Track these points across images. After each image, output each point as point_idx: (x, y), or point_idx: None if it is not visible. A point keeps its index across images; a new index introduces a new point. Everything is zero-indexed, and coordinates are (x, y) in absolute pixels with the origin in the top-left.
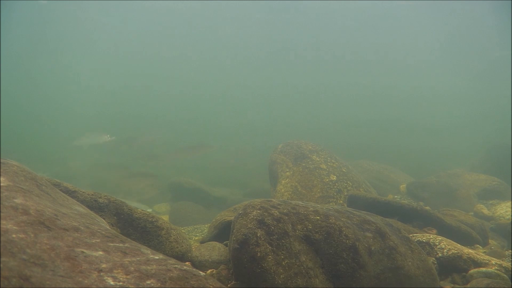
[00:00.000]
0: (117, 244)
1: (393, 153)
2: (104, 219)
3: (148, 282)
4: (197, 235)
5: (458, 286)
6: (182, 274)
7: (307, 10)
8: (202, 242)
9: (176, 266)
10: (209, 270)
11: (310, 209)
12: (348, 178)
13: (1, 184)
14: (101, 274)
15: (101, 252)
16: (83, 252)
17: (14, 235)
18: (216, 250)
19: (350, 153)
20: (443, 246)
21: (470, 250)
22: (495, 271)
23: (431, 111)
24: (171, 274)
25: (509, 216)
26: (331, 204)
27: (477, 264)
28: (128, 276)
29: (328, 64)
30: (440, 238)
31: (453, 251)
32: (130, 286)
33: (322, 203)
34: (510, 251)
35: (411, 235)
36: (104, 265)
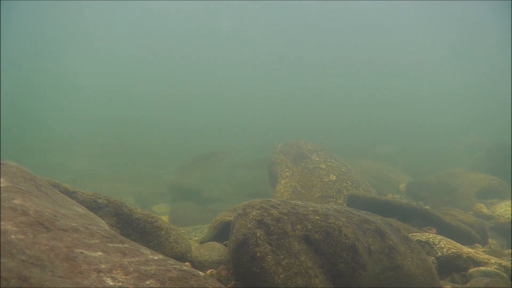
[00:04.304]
0: (116, 245)
1: (393, 153)
2: (103, 219)
3: (148, 282)
4: (196, 235)
5: (458, 285)
6: (181, 274)
7: (308, 11)
8: (201, 242)
9: (176, 266)
10: (209, 270)
11: (309, 209)
12: (348, 177)
13: (0, 185)
14: (100, 274)
15: (100, 253)
16: (82, 252)
17: (13, 236)
18: (216, 250)
19: (349, 152)
20: (443, 245)
21: (469, 249)
22: (495, 270)
23: (430, 111)
24: (171, 275)
25: (509, 215)
26: (330, 203)
27: (477, 263)
28: (127, 277)
29: (330, 65)
30: (439, 237)
31: (452, 250)
32: (130, 287)
33: (322, 203)
34: (510, 250)
35: (411, 234)
36: (103, 266)
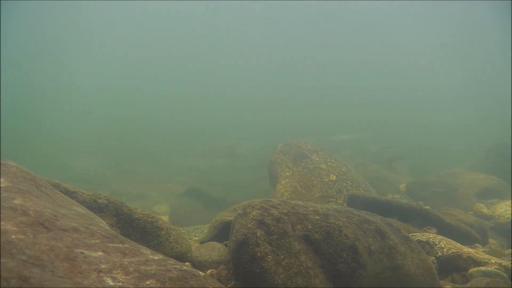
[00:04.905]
0: (117, 245)
1: (393, 153)
2: (103, 219)
3: (148, 282)
4: (197, 235)
5: (458, 285)
6: (181, 274)
7: (309, 11)
8: (202, 242)
9: (176, 266)
10: (209, 270)
11: (309, 209)
12: (348, 177)
13: (1, 185)
14: (101, 274)
15: (100, 253)
16: (82, 252)
17: (13, 236)
18: (216, 250)
19: (349, 152)
20: (443, 245)
21: (469, 249)
22: (495, 270)
23: (430, 111)
24: (171, 275)
25: (509, 215)
26: (330, 204)
27: (477, 263)
28: (127, 277)
29: (330, 65)
30: (439, 237)
31: (452, 250)
32: (130, 287)
33: (322, 203)
34: (510, 250)
35: (411, 234)
36: (103, 266)
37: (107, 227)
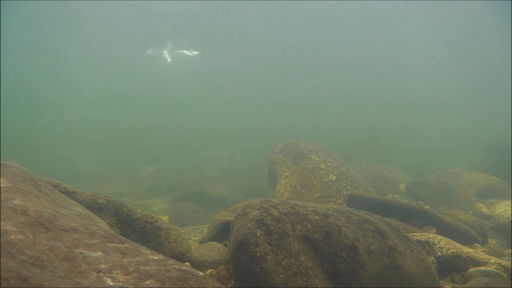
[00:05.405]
0: (116, 245)
1: (393, 153)
2: (103, 219)
3: (147, 282)
4: (196, 235)
5: (458, 285)
6: (181, 275)
7: (308, 11)
8: (201, 242)
9: (175, 266)
10: (209, 270)
11: (309, 209)
12: (348, 177)
13: (0, 185)
14: (100, 274)
15: (100, 253)
16: (82, 252)
17: (13, 236)
18: (216, 250)
19: (349, 152)
20: (443, 245)
21: (469, 249)
22: (494, 270)
23: (431, 112)
24: (170, 275)
25: (508, 215)
26: (330, 203)
27: (476, 263)
28: (127, 277)
29: (330, 66)
30: (439, 237)
31: (452, 250)
32: (129, 287)
33: (322, 203)
34: (509, 250)
35: (411, 234)
36: (103, 266)
37: (107, 227)
